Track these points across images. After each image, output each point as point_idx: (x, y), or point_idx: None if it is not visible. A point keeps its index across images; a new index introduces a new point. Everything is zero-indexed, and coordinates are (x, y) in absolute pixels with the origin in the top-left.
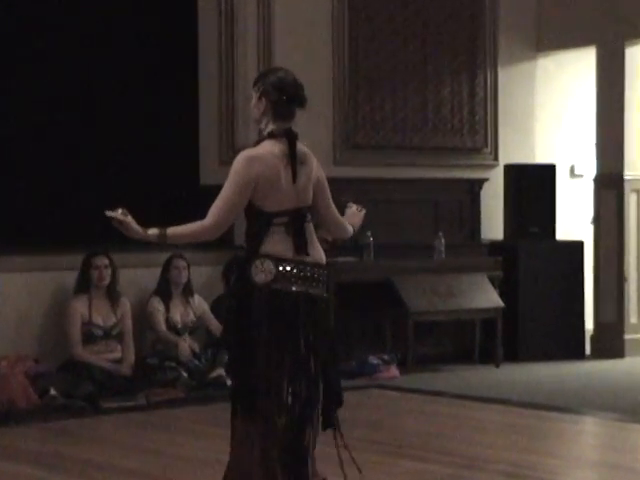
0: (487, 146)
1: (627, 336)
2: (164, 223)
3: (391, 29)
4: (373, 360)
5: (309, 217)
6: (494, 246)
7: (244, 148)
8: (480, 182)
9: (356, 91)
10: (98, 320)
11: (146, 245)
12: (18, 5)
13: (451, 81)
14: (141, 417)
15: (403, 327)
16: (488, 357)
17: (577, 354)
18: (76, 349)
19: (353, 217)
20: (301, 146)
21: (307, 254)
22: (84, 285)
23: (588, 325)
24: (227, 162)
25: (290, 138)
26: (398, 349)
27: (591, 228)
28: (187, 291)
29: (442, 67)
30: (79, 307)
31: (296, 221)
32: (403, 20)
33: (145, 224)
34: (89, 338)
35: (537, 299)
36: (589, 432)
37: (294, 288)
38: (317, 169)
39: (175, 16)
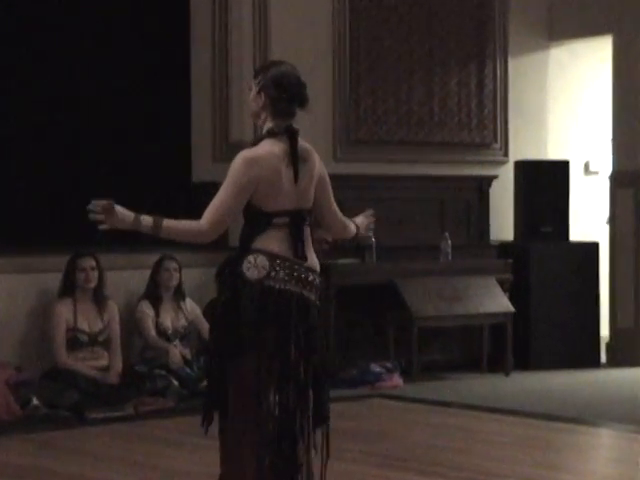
0: (496, 141)
1: None
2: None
3: (395, 17)
4: (375, 368)
5: (308, 220)
6: (504, 247)
7: (239, 143)
8: (489, 179)
9: (357, 83)
10: (84, 325)
11: (135, 246)
12: (15, 5)
13: (458, 72)
14: (129, 428)
15: (407, 333)
16: (497, 365)
17: (592, 362)
18: (60, 356)
19: (361, 220)
20: (302, 143)
21: (305, 258)
22: (69, 288)
23: (603, 331)
24: (221, 158)
25: (291, 136)
26: (402, 356)
27: (607, 228)
28: (178, 295)
29: (449, 57)
30: (63, 311)
31: (296, 222)
32: (408, 7)
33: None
34: (74, 344)
35: (549, 303)
36: (605, 445)
37: (288, 287)
38: (319, 166)
39: (166, 3)
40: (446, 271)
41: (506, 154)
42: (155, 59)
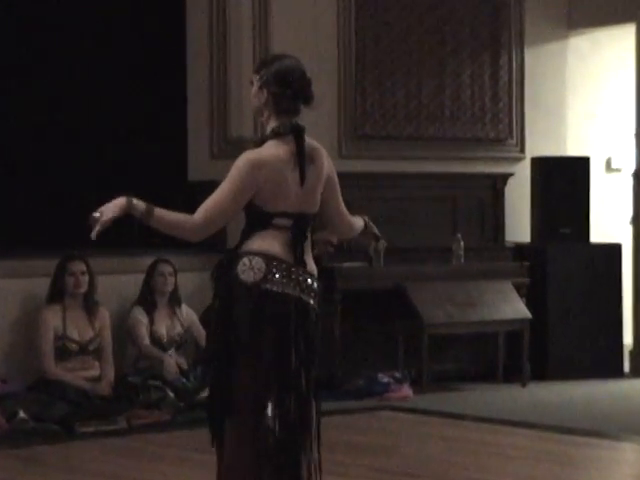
0: (512, 136)
1: None
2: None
3: (404, 4)
4: (383, 378)
5: (311, 225)
6: (520, 249)
7: (238, 139)
8: (504, 177)
9: (364, 75)
10: (73, 333)
11: (128, 249)
12: (15, 5)
13: (471, 63)
14: (122, 443)
15: (417, 341)
16: (513, 375)
17: (614, 371)
18: (48, 366)
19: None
20: (310, 141)
21: (304, 264)
22: (58, 294)
23: (627, 339)
24: (219, 156)
25: (298, 136)
26: (411, 366)
27: (630, 229)
28: (174, 300)
29: (461, 47)
30: (52, 318)
31: (299, 226)
32: None
33: (124, 227)
34: (63, 354)
35: (569, 309)
36: (628, 460)
37: (286, 290)
38: (328, 165)
39: None
40: (458, 275)
41: (522, 150)
42: (149, 51)
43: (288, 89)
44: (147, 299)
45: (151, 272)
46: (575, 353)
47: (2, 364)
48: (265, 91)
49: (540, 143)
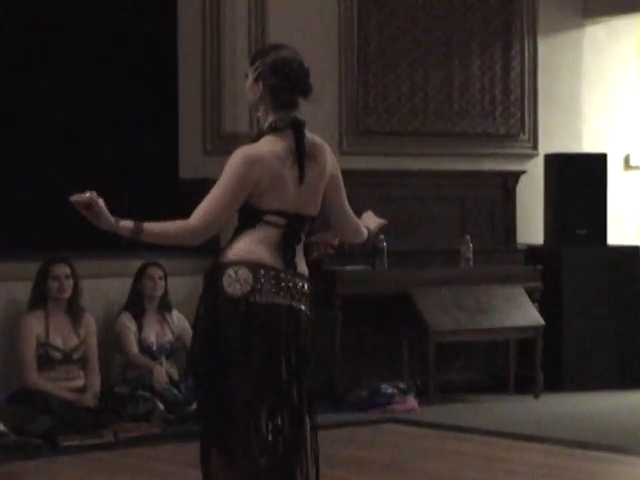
0: (524, 132)
1: None
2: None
3: None
4: (387, 389)
5: (307, 228)
6: (532, 252)
7: (233, 135)
8: (516, 175)
9: (366, 67)
10: (57, 341)
11: (114, 251)
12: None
13: (481, 54)
14: (108, 457)
15: (423, 349)
16: (525, 386)
17: (634, 382)
18: (30, 376)
19: (370, 219)
20: (311, 136)
21: (294, 267)
22: (40, 299)
23: None
24: (212, 153)
25: (297, 131)
26: (417, 376)
27: None
28: (164, 306)
29: (470, 37)
30: (34, 325)
31: (293, 227)
32: None
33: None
34: (46, 362)
35: (584, 315)
36: None
37: (276, 300)
38: (331, 163)
39: None
40: (467, 279)
41: (535, 147)
42: (139, 45)
43: (285, 81)
44: (135, 304)
45: (140, 276)
46: (591, 362)
47: None
48: (261, 84)
49: (554, 139)
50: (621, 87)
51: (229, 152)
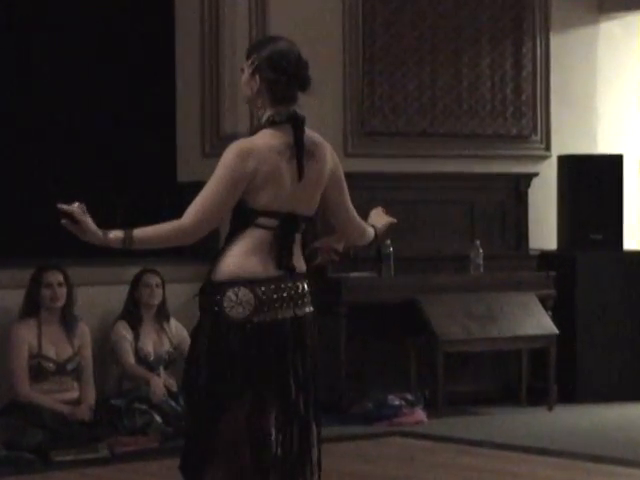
0: (536, 133)
1: None
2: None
3: None
4: (394, 401)
5: (302, 228)
6: (545, 258)
7: (232, 136)
8: (528, 178)
9: (372, 65)
10: (50, 351)
11: (110, 257)
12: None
13: (491, 51)
14: (103, 472)
15: (431, 359)
16: (538, 397)
17: None
18: (22, 388)
19: (378, 217)
20: (311, 133)
21: (291, 269)
22: (32, 307)
23: None
24: (211, 155)
25: (296, 125)
26: (425, 387)
27: None
28: (161, 315)
29: (480, 34)
30: (26, 335)
31: (285, 229)
32: None
33: (110, 229)
34: (38, 374)
35: (600, 324)
36: None
37: (280, 315)
38: (332, 161)
39: None
40: (477, 286)
41: (548, 148)
42: (136, 45)
43: (283, 74)
44: (132, 313)
45: (136, 283)
46: (607, 373)
47: None
48: (257, 78)
49: (568, 140)
50: (638, 85)
51: None
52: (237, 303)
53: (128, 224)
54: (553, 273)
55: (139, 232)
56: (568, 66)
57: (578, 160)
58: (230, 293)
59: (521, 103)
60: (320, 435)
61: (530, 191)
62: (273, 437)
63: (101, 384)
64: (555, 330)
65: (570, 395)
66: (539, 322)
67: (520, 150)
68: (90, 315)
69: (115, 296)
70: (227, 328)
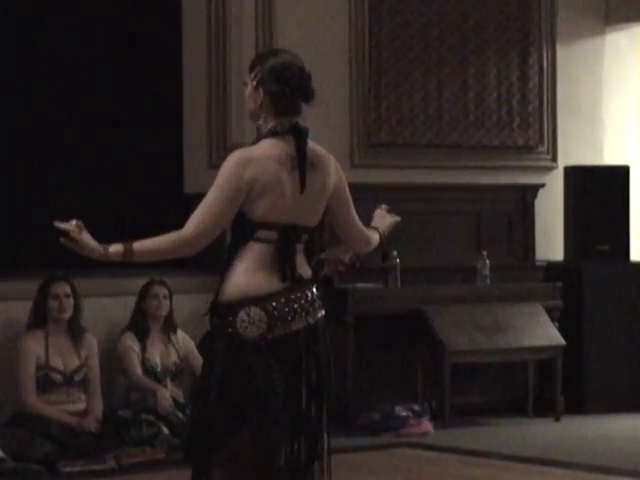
0: (543, 144)
1: None
2: (139, 239)
3: None
4: (401, 411)
5: (304, 237)
6: (552, 269)
7: (239, 147)
8: (534, 189)
9: (378, 76)
10: (57, 363)
11: (117, 268)
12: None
13: (497, 62)
14: None
15: (438, 370)
16: (545, 408)
17: None
18: (29, 399)
19: (382, 219)
20: (314, 146)
21: (298, 279)
22: (40, 318)
23: None
24: (217, 166)
25: (298, 136)
26: (432, 398)
27: None
28: (168, 326)
29: (486, 45)
30: (33, 346)
31: (285, 241)
32: None
33: (115, 242)
34: (46, 385)
35: (606, 335)
36: None
37: (293, 327)
38: (336, 175)
39: None
40: (484, 297)
41: (554, 159)
42: (143, 53)
43: (286, 86)
44: (139, 324)
45: (143, 294)
46: (614, 384)
47: None
48: (261, 91)
49: (574, 151)
50: None
51: None
52: (250, 323)
53: (135, 235)
54: (560, 284)
55: (139, 245)
56: (574, 77)
57: (585, 171)
58: (242, 314)
59: (527, 114)
60: (330, 446)
61: (537, 202)
62: (283, 451)
63: (108, 395)
64: (562, 341)
65: (577, 406)
66: (546, 333)
67: (526, 161)
68: (97, 326)
69: (122, 307)
70: (243, 348)
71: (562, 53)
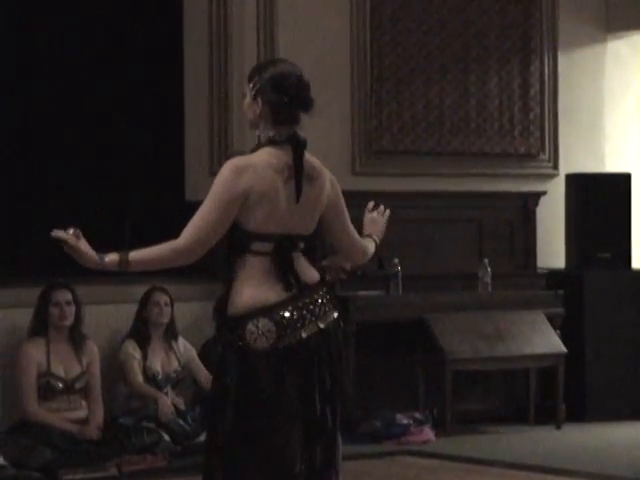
0: (544, 151)
1: None
2: (139, 247)
3: (424, 6)
4: (402, 419)
5: (301, 245)
6: (553, 276)
7: (241, 155)
8: (536, 196)
9: (380, 83)
10: (58, 370)
11: (118, 276)
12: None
13: (499, 70)
14: None
15: (440, 378)
16: (547, 416)
17: None
18: (30, 406)
19: (373, 225)
20: (311, 158)
21: (301, 287)
22: (41, 326)
23: None
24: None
25: (296, 146)
26: (433, 405)
27: None
28: (170, 333)
29: (488, 52)
30: (34, 353)
31: (281, 251)
32: None
33: (115, 249)
34: (47, 392)
35: (608, 343)
36: None
37: (304, 334)
38: (331, 189)
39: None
40: (485, 305)
41: (556, 166)
42: (145, 62)
43: (285, 95)
44: (140, 332)
45: (145, 302)
46: (615, 391)
47: None
48: (260, 100)
49: (575, 158)
50: None
51: None
52: (259, 334)
53: (135, 243)
54: (561, 292)
55: (135, 255)
56: (575, 85)
57: (586, 179)
58: (250, 326)
59: (529, 122)
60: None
61: (538, 210)
62: (298, 457)
63: (109, 403)
64: (563, 349)
65: (578, 414)
66: (547, 341)
67: (528, 169)
68: (98, 334)
69: (123, 315)
70: (254, 360)
71: (563, 61)
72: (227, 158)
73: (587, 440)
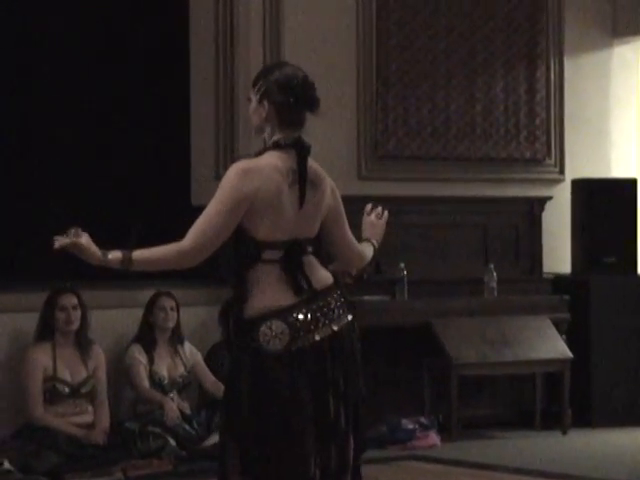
0: (550, 156)
1: None
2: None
3: (430, 11)
4: (408, 424)
5: (309, 249)
6: (559, 281)
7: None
8: (542, 201)
9: (386, 88)
10: (64, 374)
11: (124, 280)
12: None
13: (505, 75)
14: None
15: (445, 383)
16: (553, 421)
17: None
18: (36, 411)
19: (372, 229)
20: (314, 165)
21: (313, 291)
22: (47, 330)
23: None
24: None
25: (300, 151)
26: (439, 410)
27: None
28: (175, 338)
29: (494, 57)
30: (40, 358)
31: (291, 256)
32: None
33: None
34: (53, 397)
35: (614, 348)
36: None
37: (317, 337)
38: (330, 195)
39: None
40: (491, 310)
41: (562, 171)
42: (151, 66)
43: (291, 96)
44: (146, 336)
45: (151, 306)
46: (622, 397)
47: None
48: (266, 103)
49: (581, 163)
50: None
51: None
52: (273, 336)
53: (141, 247)
54: (567, 297)
55: (138, 254)
56: (582, 90)
57: (592, 184)
58: (264, 328)
59: (535, 127)
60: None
61: (544, 215)
62: (312, 461)
63: (115, 407)
64: (569, 354)
65: (584, 419)
66: (553, 346)
67: (534, 174)
68: (104, 338)
69: (129, 319)
70: (267, 362)
71: (569, 66)
72: (233, 162)
73: (593, 446)
